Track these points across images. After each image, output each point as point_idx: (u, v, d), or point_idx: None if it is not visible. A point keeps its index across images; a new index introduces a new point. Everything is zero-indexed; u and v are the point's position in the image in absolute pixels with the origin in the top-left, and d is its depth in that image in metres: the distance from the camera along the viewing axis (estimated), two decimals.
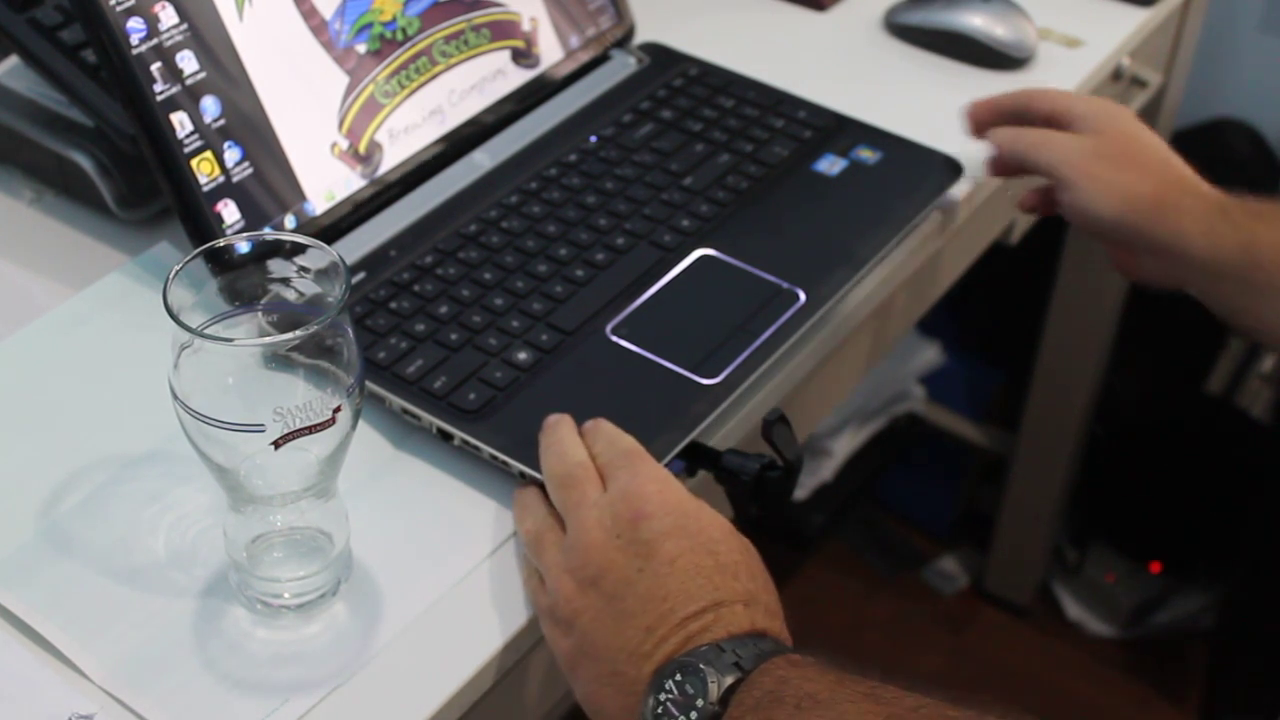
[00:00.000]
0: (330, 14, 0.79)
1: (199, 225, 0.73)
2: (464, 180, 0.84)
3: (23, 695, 0.59)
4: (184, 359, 0.55)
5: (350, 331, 0.56)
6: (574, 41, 0.92)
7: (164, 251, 0.82)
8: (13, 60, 0.85)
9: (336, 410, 0.56)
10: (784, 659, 0.55)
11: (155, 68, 0.72)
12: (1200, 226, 0.77)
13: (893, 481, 1.80)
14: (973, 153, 0.87)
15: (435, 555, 0.66)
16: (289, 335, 0.54)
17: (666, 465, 0.66)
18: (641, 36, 0.97)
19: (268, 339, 0.56)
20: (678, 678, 0.55)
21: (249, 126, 0.75)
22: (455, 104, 0.85)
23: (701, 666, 0.55)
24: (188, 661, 0.61)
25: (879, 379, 1.68)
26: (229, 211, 0.74)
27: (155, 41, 0.72)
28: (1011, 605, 1.72)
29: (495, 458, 0.68)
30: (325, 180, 0.78)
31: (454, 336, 0.73)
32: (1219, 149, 1.49)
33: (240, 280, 0.58)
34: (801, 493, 1.65)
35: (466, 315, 0.75)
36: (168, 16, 0.72)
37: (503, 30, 0.88)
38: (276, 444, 0.55)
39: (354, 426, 0.58)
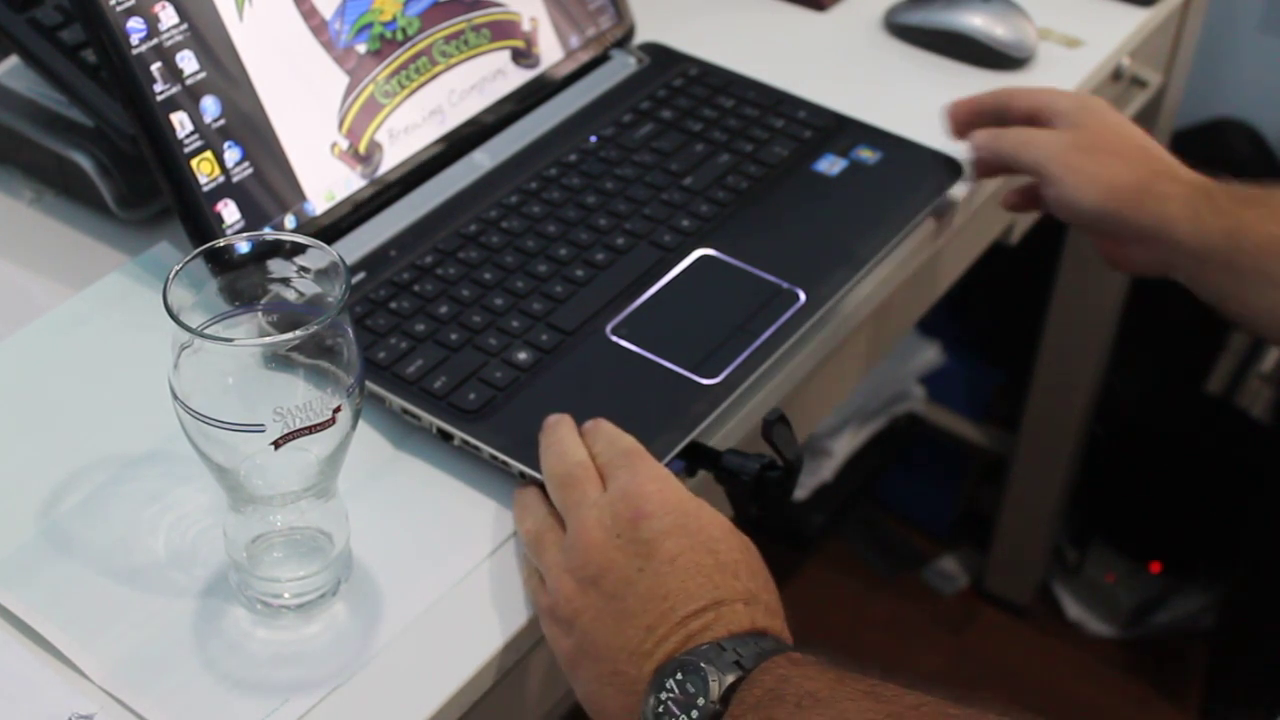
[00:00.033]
0: (330, 14, 0.79)
1: (199, 225, 0.73)
2: (464, 180, 0.84)
3: (23, 695, 0.59)
4: (184, 359, 0.55)
5: (350, 331, 0.56)
6: (574, 41, 0.92)
7: (164, 251, 0.82)
8: (13, 60, 0.85)
9: (336, 410, 0.56)
10: (785, 657, 0.55)
11: (155, 68, 0.72)
12: (1184, 211, 0.77)
13: (893, 481, 1.80)
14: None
15: (435, 555, 0.66)
16: (289, 335, 0.54)
17: (666, 465, 0.66)
18: (641, 36, 0.97)
19: (268, 339, 0.56)
20: (679, 676, 0.55)
21: (249, 126, 0.75)
22: (455, 104, 0.85)
23: (702, 665, 0.55)
24: (188, 661, 0.61)
25: (879, 379, 1.68)
26: (229, 211, 0.74)
27: (155, 41, 0.72)
28: (1011, 605, 1.72)
29: (495, 458, 0.68)
30: (325, 180, 0.78)
31: (454, 336, 0.73)
32: (1219, 149, 1.48)
33: (240, 280, 0.58)
34: (801, 493, 1.65)
35: (466, 315, 0.75)
36: (168, 16, 0.72)
37: (503, 30, 0.88)
38: (276, 444, 0.55)
39: (354, 426, 0.58)
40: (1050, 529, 1.67)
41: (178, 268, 0.56)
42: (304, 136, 0.77)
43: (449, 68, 0.85)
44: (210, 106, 0.73)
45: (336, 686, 0.60)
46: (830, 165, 0.87)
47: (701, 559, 0.58)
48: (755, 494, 0.67)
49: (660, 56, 0.96)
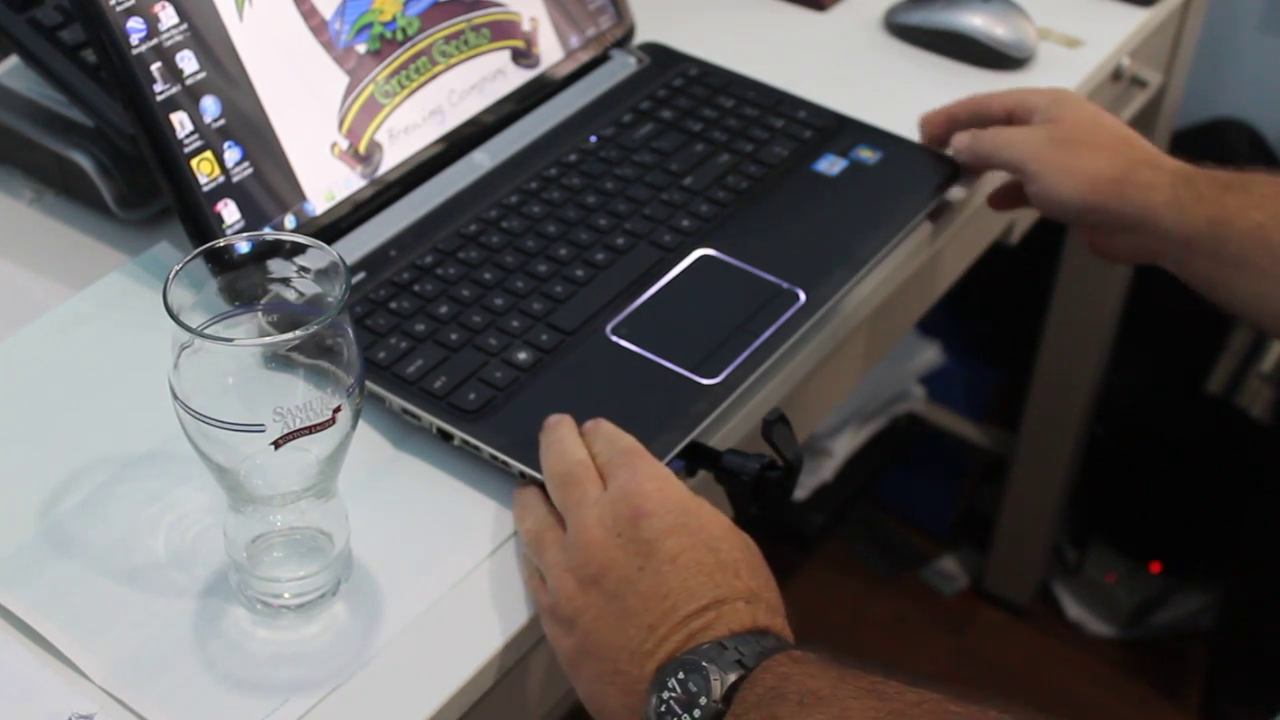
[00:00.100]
0: (330, 14, 0.79)
1: (199, 225, 0.73)
2: (464, 180, 0.84)
3: (23, 695, 0.59)
4: (184, 359, 0.55)
5: (350, 331, 0.56)
6: (574, 41, 0.92)
7: (164, 251, 0.82)
8: (13, 60, 0.85)
9: (336, 410, 0.56)
10: (786, 656, 0.55)
11: (155, 68, 0.72)
12: (1166, 198, 0.78)
13: (893, 481, 1.80)
14: None
15: (435, 555, 0.66)
16: (289, 335, 0.54)
17: (666, 465, 0.66)
18: (641, 36, 0.97)
19: (268, 339, 0.56)
20: (680, 675, 0.55)
21: (249, 126, 0.75)
22: (455, 104, 0.85)
23: (704, 664, 0.55)
24: (188, 661, 0.61)
25: (879, 379, 1.68)
26: (229, 211, 0.74)
27: (155, 41, 0.72)
28: (1011, 605, 1.72)
29: (495, 458, 0.68)
30: (325, 180, 0.78)
31: (454, 336, 0.73)
32: (1219, 149, 1.49)
33: (240, 280, 0.58)
34: (801, 493, 1.65)
35: (466, 315, 0.75)
36: (168, 16, 0.72)
37: (503, 30, 0.88)
38: (276, 444, 0.55)
39: (354, 426, 0.58)
40: (1050, 529, 1.67)
41: (178, 268, 0.56)
42: (304, 136, 0.77)
43: (449, 68, 0.85)
44: (210, 106, 0.73)
45: (336, 686, 0.60)
46: (830, 165, 0.87)
47: (702, 557, 0.58)
48: (755, 494, 0.67)
49: (660, 56, 0.96)
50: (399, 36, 0.82)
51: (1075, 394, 1.52)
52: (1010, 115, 0.85)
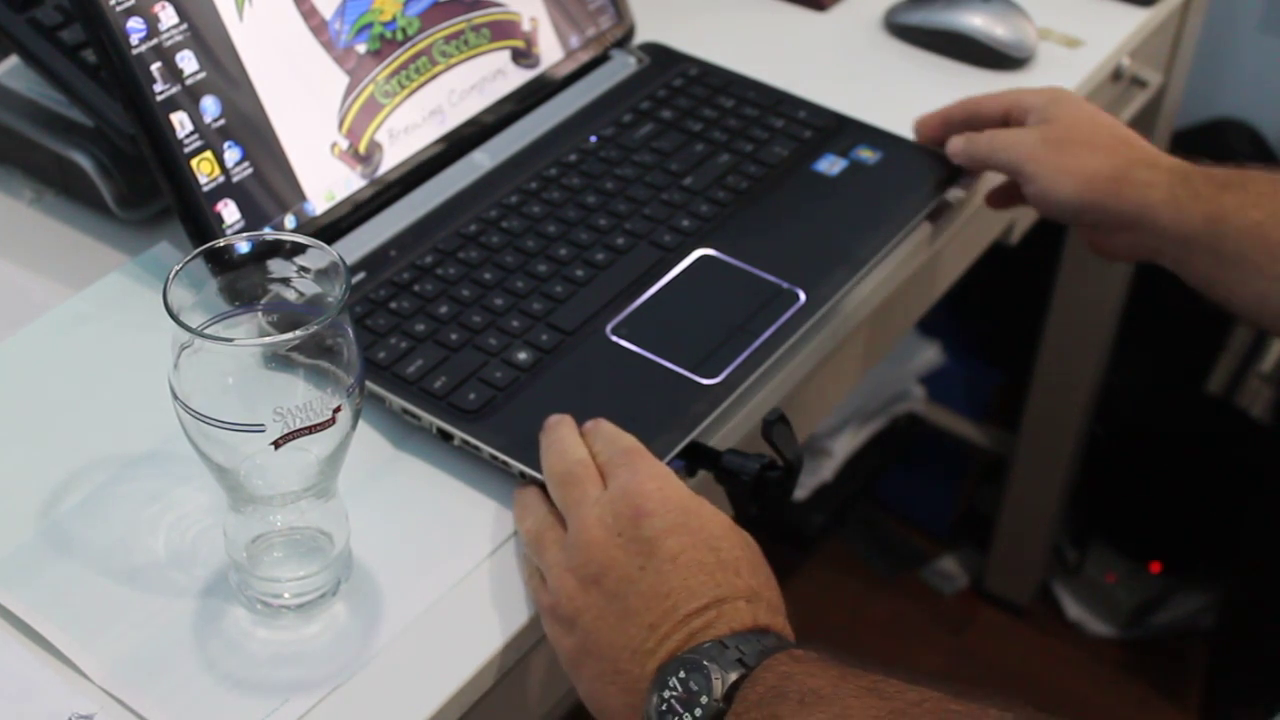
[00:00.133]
0: (330, 14, 0.79)
1: (199, 225, 0.73)
2: (464, 180, 0.84)
3: (23, 695, 0.59)
4: (184, 359, 0.55)
5: (350, 331, 0.56)
6: (574, 41, 0.92)
7: (164, 251, 0.82)
8: (13, 60, 0.85)
9: (336, 410, 0.56)
10: (787, 654, 0.55)
11: (155, 68, 0.72)
12: (1163, 196, 0.78)
13: (893, 481, 1.80)
14: None
15: (435, 555, 0.66)
16: (289, 335, 0.54)
17: (666, 465, 0.66)
18: (641, 36, 0.97)
19: (268, 339, 0.56)
20: (681, 674, 0.55)
21: (249, 126, 0.75)
22: (455, 104, 0.85)
23: (705, 663, 0.55)
24: (188, 661, 0.61)
25: (879, 379, 1.68)
26: (229, 211, 0.74)
27: (155, 41, 0.72)
28: (1011, 605, 1.72)
29: (495, 458, 0.68)
30: (325, 180, 0.78)
31: (454, 336, 0.73)
32: (1219, 149, 1.48)
33: (240, 280, 0.58)
34: (801, 493, 1.65)
35: (466, 315, 0.75)
36: (168, 16, 0.72)
37: (503, 30, 0.88)
38: (276, 444, 0.55)
39: (354, 426, 0.58)
40: (1050, 529, 1.67)
41: (178, 268, 0.56)
42: (304, 136, 0.77)
43: (449, 68, 0.85)
44: (210, 106, 0.73)
45: (336, 686, 0.60)
46: (830, 165, 0.87)
47: (703, 556, 0.58)
48: (755, 494, 0.67)
49: (660, 56, 0.96)
50: (399, 36, 0.82)
51: (1075, 394, 1.52)
52: (1006, 116, 0.85)
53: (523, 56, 0.89)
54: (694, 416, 0.69)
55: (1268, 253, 0.75)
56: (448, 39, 0.85)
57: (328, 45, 0.79)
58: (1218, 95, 1.52)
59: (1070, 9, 1.07)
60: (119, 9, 0.70)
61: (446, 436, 0.69)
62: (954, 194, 0.87)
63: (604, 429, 0.65)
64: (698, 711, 0.54)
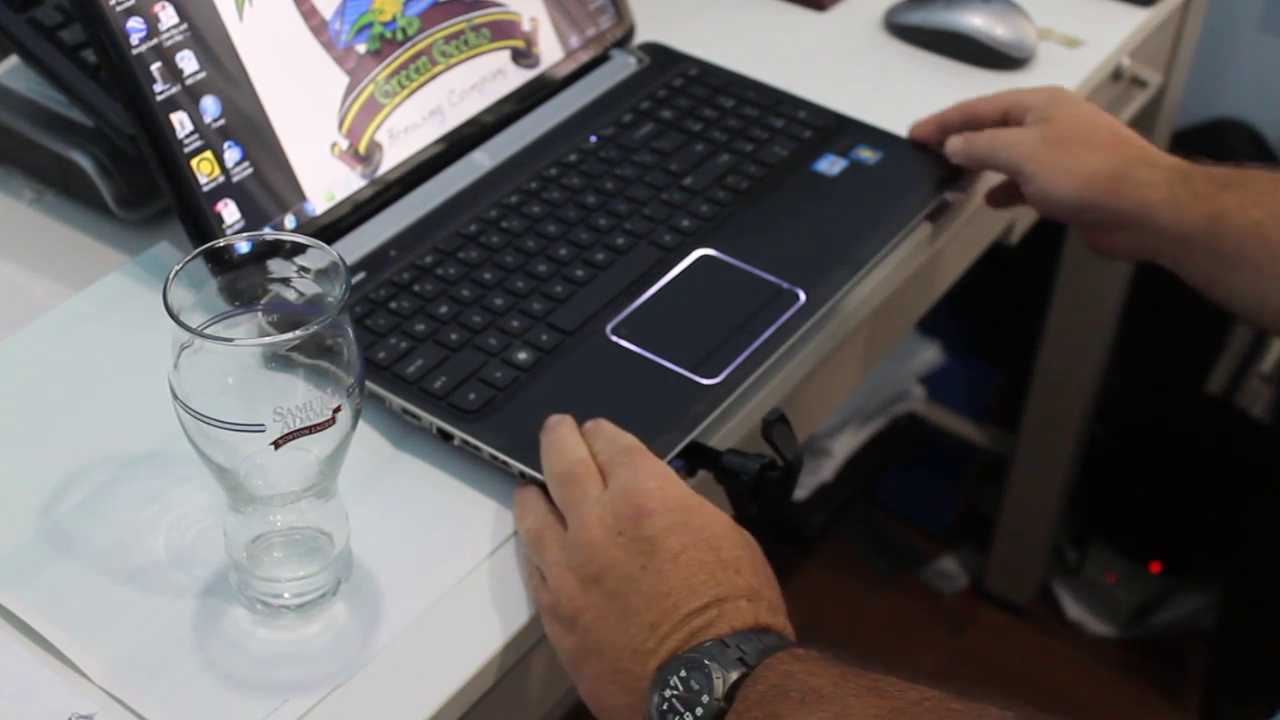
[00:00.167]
0: (330, 14, 0.79)
1: (199, 225, 0.73)
2: (464, 180, 0.84)
3: (23, 695, 0.59)
4: (184, 359, 0.55)
5: (350, 331, 0.56)
6: (574, 41, 0.92)
7: (164, 251, 0.82)
8: (13, 60, 0.85)
9: (336, 410, 0.56)
10: (788, 653, 0.55)
11: (155, 68, 0.72)
12: (1162, 195, 0.78)
13: (893, 481, 1.80)
14: None
15: (435, 555, 0.66)
16: (289, 335, 0.54)
17: (667, 465, 0.66)
18: (641, 36, 0.97)
19: (268, 339, 0.56)
20: (682, 674, 0.55)
21: (249, 126, 0.75)
22: (455, 104, 0.85)
23: (706, 662, 0.55)
24: (188, 661, 0.60)
25: (879, 379, 1.68)
26: (229, 211, 0.74)
27: (155, 41, 0.72)
28: (1011, 605, 1.72)
29: (495, 458, 0.68)
30: (325, 180, 0.78)
31: (454, 336, 0.73)
32: (1219, 149, 1.48)
33: (240, 280, 0.58)
34: (801, 493, 1.65)
35: (466, 315, 0.75)
36: (168, 16, 0.72)
37: (503, 30, 0.88)
38: (276, 444, 0.55)
39: (354, 426, 0.58)
40: (1050, 529, 1.67)
41: (178, 268, 0.56)
42: (304, 136, 0.77)
43: (449, 68, 0.85)
44: (210, 106, 0.73)
45: (336, 686, 0.60)
46: (830, 165, 0.87)
47: (704, 556, 0.58)
48: (755, 494, 0.67)
49: (660, 56, 0.96)
50: (399, 36, 0.82)
51: (1075, 394, 1.52)
52: (1005, 116, 0.85)
53: (523, 56, 0.89)
54: (694, 416, 0.69)
55: (1267, 252, 0.75)
56: (448, 39, 0.85)
57: (328, 45, 0.79)
58: (1218, 95, 1.52)
59: (1070, 9, 1.07)
60: (119, 9, 0.70)
61: (446, 436, 0.69)
62: (953, 194, 0.87)
63: (604, 429, 0.65)
64: (699, 710, 0.54)
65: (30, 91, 0.84)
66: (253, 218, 0.75)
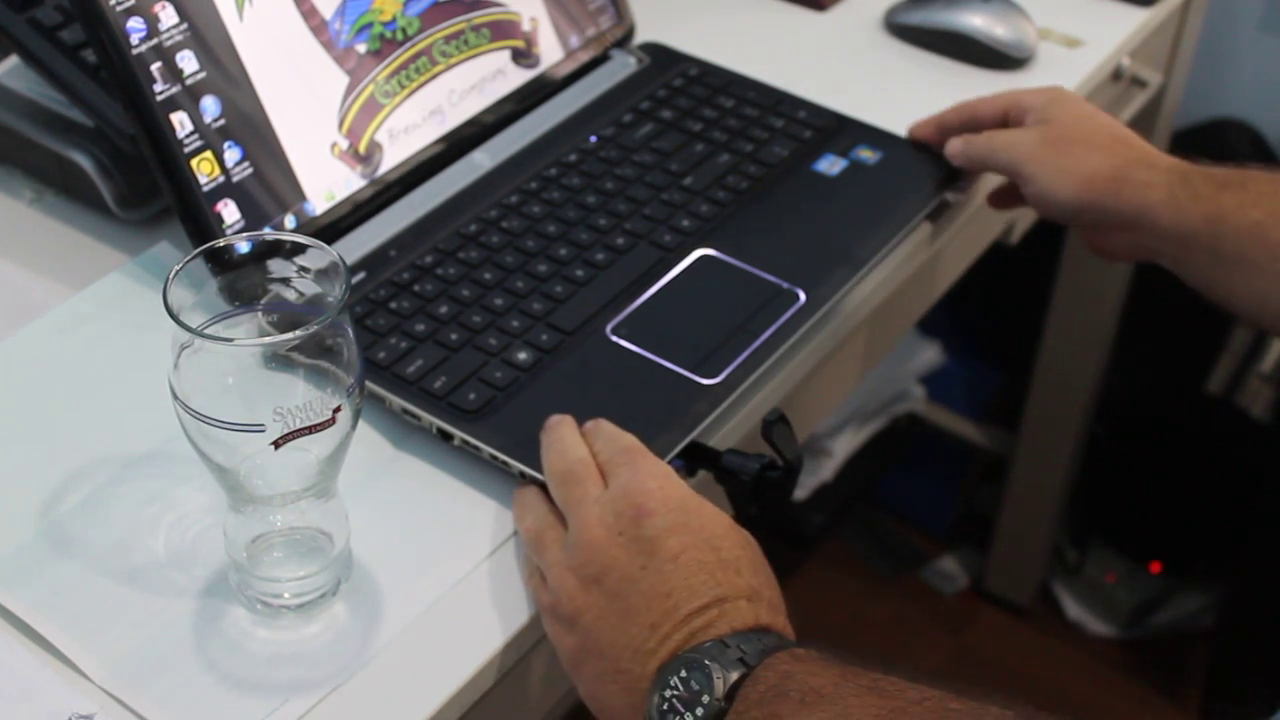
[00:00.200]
0: (330, 14, 0.79)
1: (199, 225, 0.73)
2: (464, 180, 0.84)
3: (23, 695, 0.59)
4: (184, 359, 0.55)
5: (350, 331, 0.56)
6: (574, 41, 0.92)
7: (164, 251, 0.82)
8: (13, 60, 0.85)
9: (336, 410, 0.56)
10: (788, 653, 0.55)
11: (155, 68, 0.72)
12: (1162, 196, 0.78)
13: (893, 481, 1.80)
14: None
15: (435, 555, 0.66)
16: (289, 335, 0.54)
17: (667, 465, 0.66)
18: (641, 36, 0.97)
19: (268, 339, 0.56)
20: (683, 674, 0.55)
21: (249, 126, 0.75)
22: (455, 104, 0.85)
23: (706, 662, 0.55)
24: (188, 661, 0.61)
25: (879, 379, 1.68)
26: (229, 211, 0.74)
27: (155, 41, 0.72)
28: (1011, 605, 1.72)
29: (495, 458, 0.68)
30: (325, 180, 0.78)
31: (454, 336, 0.73)
32: (1219, 149, 1.48)
33: (240, 280, 0.58)
34: (801, 493, 1.65)
35: (466, 315, 0.75)
36: (168, 16, 0.72)
37: (503, 30, 0.88)
38: (276, 444, 0.55)
39: (354, 426, 0.58)
40: (1050, 529, 1.67)
41: (178, 268, 0.56)
42: (304, 136, 0.77)
43: (449, 68, 0.85)
44: (210, 106, 0.73)
45: (336, 686, 0.60)
46: (830, 165, 0.87)
47: (704, 556, 0.58)
48: (755, 494, 0.67)
49: (660, 56, 0.96)
50: (399, 36, 0.82)
51: (1075, 394, 1.52)
52: (1004, 117, 0.85)
53: (523, 56, 0.89)
54: (694, 416, 0.69)
55: (1267, 252, 0.75)
56: (448, 39, 0.85)
57: (328, 45, 0.79)
58: (1218, 95, 1.52)
59: (1070, 9, 1.08)
60: (119, 9, 0.70)
61: (446, 436, 0.69)
62: (953, 194, 0.87)
63: (604, 429, 0.65)
64: (699, 711, 0.54)
65: (30, 91, 0.84)
66: (253, 218, 0.75)
